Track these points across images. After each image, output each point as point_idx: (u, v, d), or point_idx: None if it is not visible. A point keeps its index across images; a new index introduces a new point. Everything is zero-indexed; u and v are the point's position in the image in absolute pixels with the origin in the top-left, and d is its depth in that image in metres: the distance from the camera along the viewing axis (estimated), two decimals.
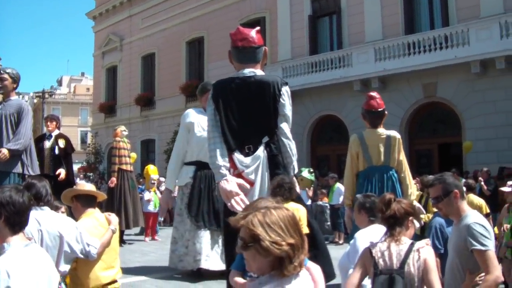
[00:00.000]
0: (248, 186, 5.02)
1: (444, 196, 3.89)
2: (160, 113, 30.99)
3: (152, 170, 14.77)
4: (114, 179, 12.10)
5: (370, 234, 4.09)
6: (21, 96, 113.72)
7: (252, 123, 5.27)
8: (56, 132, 9.74)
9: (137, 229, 13.86)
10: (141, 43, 33.60)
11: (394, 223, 3.40)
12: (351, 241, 4.32)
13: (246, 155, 5.16)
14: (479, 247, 3.64)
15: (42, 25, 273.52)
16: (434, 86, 19.35)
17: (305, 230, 4.94)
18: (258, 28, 5.68)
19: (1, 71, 7.82)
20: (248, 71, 5.39)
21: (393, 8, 20.74)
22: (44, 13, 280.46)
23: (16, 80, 7.66)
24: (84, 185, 5.14)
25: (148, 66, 33.26)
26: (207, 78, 27.10)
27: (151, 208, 13.79)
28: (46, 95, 49.87)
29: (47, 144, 9.21)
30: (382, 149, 6.71)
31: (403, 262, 3.23)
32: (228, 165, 5.02)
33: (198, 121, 8.29)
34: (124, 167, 12.32)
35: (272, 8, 25.15)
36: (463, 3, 18.97)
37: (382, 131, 6.77)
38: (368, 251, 3.35)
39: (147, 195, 13.97)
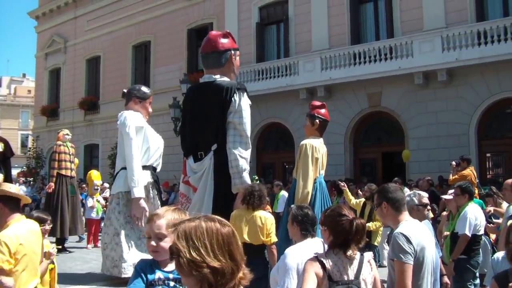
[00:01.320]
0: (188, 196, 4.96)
1: (376, 206, 4.04)
2: (104, 117, 30.40)
3: (95, 176, 14.41)
4: (52, 184, 11.83)
5: (301, 251, 4.06)
6: None
7: (205, 130, 5.20)
8: None
9: (76, 237, 13.53)
10: (86, 46, 32.91)
11: (351, 238, 3.35)
12: (282, 256, 4.25)
13: (197, 161, 5.09)
14: (395, 258, 3.69)
15: None
16: (379, 96, 19.71)
17: (274, 239, 4.91)
18: (227, 31, 5.60)
19: None
20: (207, 77, 5.33)
21: (340, 18, 21.03)
22: None
23: None
24: (10, 186, 4.76)
25: (93, 69, 32.62)
26: (153, 83, 26.88)
27: (93, 214, 13.48)
28: None
29: None
30: (324, 158, 6.75)
31: (358, 272, 3.28)
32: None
33: (146, 125, 8.15)
34: (63, 172, 12.02)
35: (220, 15, 25.12)
36: (407, 16, 19.41)
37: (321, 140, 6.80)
38: (318, 262, 3.28)
39: (90, 202, 13.65)
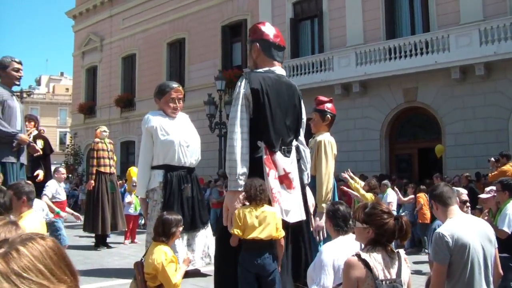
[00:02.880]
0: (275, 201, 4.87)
1: (430, 208, 4.24)
2: (140, 114, 30.47)
3: (134, 172, 14.50)
4: (91, 181, 11.93)
5: (337, 248, 4.06)
6: None
7: (288, 124, 5.17)
8: (34, 132, 9.67)
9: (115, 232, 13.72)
10: (121, 44, 33.38)
11: (395, 236, 3.30)
12: (318, 253, 4.26)
13: (284, 156, 5.06)
14: (431, 257, 3.70)
15: (20, 23, 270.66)
16: (415, 91, 19.47)
17: (282, 233, 4.89)
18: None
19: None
20: (280, 70, 5.30)
21: (375, 12, 20.83)
22: (22, 11, 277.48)
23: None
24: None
25: (129, 67, 33.04)
26: (188, 80, 27.04)
27: (131, 211, 13.60)
28: (25, 95, 49.33)
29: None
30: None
31: (399, 270, 3.21)
32: (246, 172, 4.80)
33: (160, 124, 8.18)
34: (102, 169, 12.12)
35: (254, 11, 25.13)
36: (443, 9, 19.11)
37: None
38: (361, 261, 3.18)
39: (128, 198, 13.79)
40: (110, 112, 33.47)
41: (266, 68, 5.21)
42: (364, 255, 3.19)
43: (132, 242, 13.27)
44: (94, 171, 12.01)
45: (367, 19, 21.03)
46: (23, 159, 8.66)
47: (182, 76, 28.30)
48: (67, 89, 69.34)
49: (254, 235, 4.87)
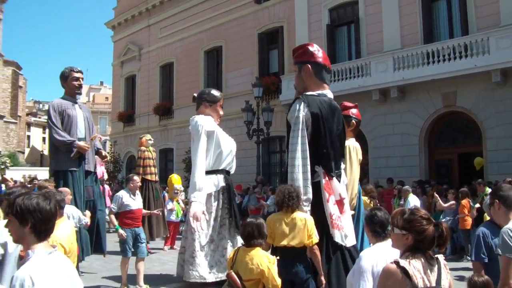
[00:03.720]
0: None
1: (490, 205, 4.30)
2: (178, 122, 31.06)
3: (176, 180, 14.67)
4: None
5: (376, 254, 4.05)
6: (41, 104, 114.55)
7: (339, 148, 5.19)
8: None
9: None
10: (159, 53, 33.83)
11: (435, 243, 3.22)
12: (357, 259, 4.28)
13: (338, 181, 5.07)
14: (501, 253, 3.69)
15: (61, 34, 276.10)
16: (454, 96, 19.21)
17: (315, 239, 4.89)
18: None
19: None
20: (330, 93, 5.32)
21: (412, 17, 20.66)
22: (64, 23, 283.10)
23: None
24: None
25: (167, 75, 33.46)
26: (225, 87, 27.20)
27: (173, 217, 13.78)
28: (48, 106, 49.76)
29: None
30: None
31: (439, 278, 3.14)
32: (310, 198, 4.80)
33: (217, 129, 8.26)
34: (148, 177, 12.28)
35: (290, 18, 25.17)
36: (482, 12, 18.82)
37: None
38: (399, 268, 3.09)
39: (169, 205, 13.94)
40: (149, 120, 33.93)
41: (319, 91, 5.21)
42: (403, 263, 3.10)
43: (171, 248, 13.40)
44: (140, 179, 11.95)
45: (404, 24, 20.86)
46: (89, 166, 8.94)
47: (219, 84, 28.50)
48: (106, 98, 70.53)
49: (284, 242, 4.89)
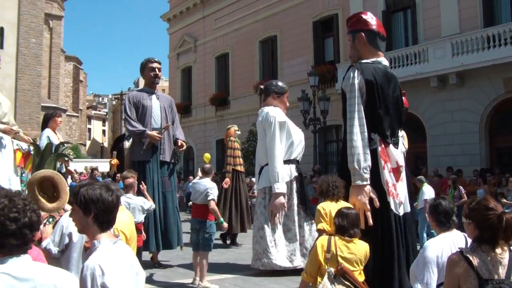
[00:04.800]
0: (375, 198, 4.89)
1: None
2: (234, 112, 31.37)
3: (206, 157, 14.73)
4: (228, 180, 11.92)
5: (441, 244, 4.02)
6: (100, 98, 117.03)
7: (396, 115, 5.20)
8: None
9: None
10: (214, 44, 34.14)
11: (500, 234, 3.05)
12: (421, 249, 4.23)
13: (395, 148, 5.09)
14: None
15: (118, 29, 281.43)
16: None
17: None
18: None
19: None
20: (385, 61, 5.34)
21: (471, 0, 20.14)
22: (121, 17, 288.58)
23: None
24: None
25: (222, 66, 33.74)
26: (281, 77, 27.16)
27: None
28: (124, 96, 50.80)
29: (127, 144, 9.38)
30: None
31: (509, 271, 3.01)
32: (370, 165, 4.81)
33: (287, 119, 8.42)
34: (238, 168, 12.24)
35: (344, 5, 24.95)
36: None
37: None
38: (464, 259, 3.04)
39: None
40: (206, 111, 34.32)
41: (374, 59, 5.19)
42: (468, 253, 3.05)
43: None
44: (231, 170, 12.04)
45: (463, 8, 20.37)
46: (164, 156, 9.12)
47: (274, 73, 28.56)
48: (163, 90, 71.33)
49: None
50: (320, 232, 5.22)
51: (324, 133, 25.24)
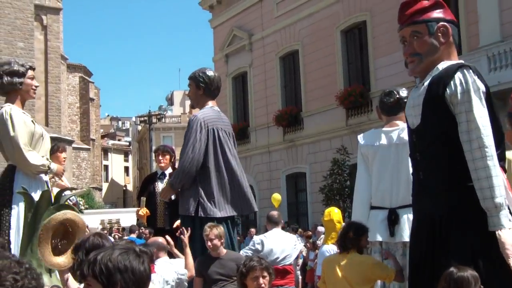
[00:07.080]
0: None
1: None
2: (310, 134, 30.95)
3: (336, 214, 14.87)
4: None
5: None
6: (119, 122, 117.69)
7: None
8: (170, 170, 9.79)
9: None
10: (277, 38, 33.79)
11: None
12: None
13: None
14: None
15: (140, 25, 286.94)
16: None
17: None
18: None
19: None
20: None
21: None
22: (142, 11, 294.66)
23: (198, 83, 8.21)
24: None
25: (290, 70, 33.54)
26: (374, 81, 26.67)
27: None
28: (154, 119, 49.24)
29: (160, 186, 9.42)
30: None
31: None
32: None
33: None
34: None
35: None
36: None
37: None
38: None
39: None
40: (269, 134, 33.86)
41: (458, 61, 5.34)
42: None
43: None
44: None
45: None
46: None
47: (365, 76, 28.49)
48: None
49: None
50: None
51: None
